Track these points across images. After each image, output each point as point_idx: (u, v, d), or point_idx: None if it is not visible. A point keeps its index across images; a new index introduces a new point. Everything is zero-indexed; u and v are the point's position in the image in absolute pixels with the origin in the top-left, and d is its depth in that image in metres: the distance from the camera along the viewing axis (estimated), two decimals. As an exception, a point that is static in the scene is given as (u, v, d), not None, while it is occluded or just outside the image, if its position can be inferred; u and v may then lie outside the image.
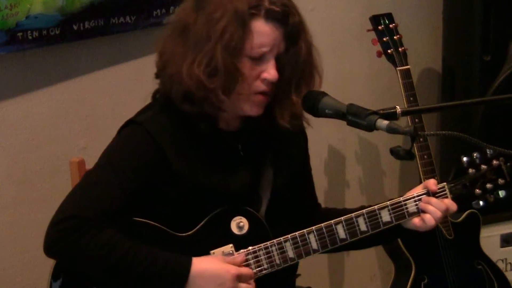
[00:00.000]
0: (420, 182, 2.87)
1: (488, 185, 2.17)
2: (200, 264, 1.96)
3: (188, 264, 1.95)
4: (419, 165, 2.88)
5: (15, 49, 2.53)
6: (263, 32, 1.97)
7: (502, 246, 3.32)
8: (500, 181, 2.18)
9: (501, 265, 3.27)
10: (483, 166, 2.18)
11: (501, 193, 2.19)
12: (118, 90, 2.84)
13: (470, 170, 2.17)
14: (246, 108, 2.03)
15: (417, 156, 2.87)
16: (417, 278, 2.97)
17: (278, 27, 1.98)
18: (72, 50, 2.70)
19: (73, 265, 1.98)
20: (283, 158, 2.16)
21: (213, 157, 2.06)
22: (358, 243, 2.18)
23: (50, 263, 2.02)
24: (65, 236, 1.92)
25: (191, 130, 2.04)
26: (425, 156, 2.88)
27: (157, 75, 2.09)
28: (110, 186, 1.97)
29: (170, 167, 2.00)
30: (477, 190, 2.17)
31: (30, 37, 2.53)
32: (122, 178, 1.97)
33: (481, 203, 2.18)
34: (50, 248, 1.96)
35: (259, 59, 1.99)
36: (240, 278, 1.98)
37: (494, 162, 2.18)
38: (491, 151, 2.18)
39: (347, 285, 3.52)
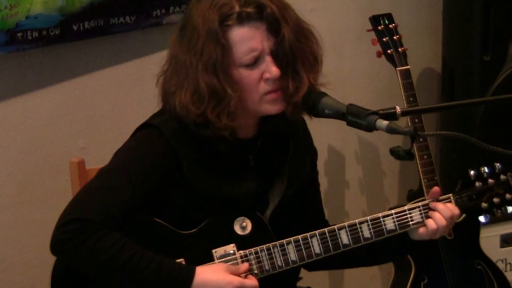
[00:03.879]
0: (420, 183, 2.90)
1: (495, 199, 2.16)
2: (203, 274, 1.95)
3: (192, 273, 1.94)
4: (419, 165, 2.88)
5: (15, 49, 2.53)
6: (244, 38, 1.95)
7: (502, 246, 3.32)
8: (508, 196, 2.17)
9: (500, 265, 3.26)
10: (491, 180, 2.17)
11: (509, 209, 2.17)
12: (118, 90, 2.84)
13: (477, 183, 2.17)
14: (266, 110, 2.02)
15: (417, 156, 2.86)
16: (417, 278, 2.97)
17: (258, 25, 1.96)
18: (72, 50, 2.70)
19: (78, 266, 1.98)
20: (296, 169, 2.16)
21: (223, 165, 2.06)
22: (367, 257, 2.20)
23: (50, 263, 2.02)
24: (72, 238, 1.91)
25: (203, 136, 2.02)
26: (425, 156, 2.87)
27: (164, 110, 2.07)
28: (121, 191, 1.96)
29: (182, 172, 2.00)
30: (484, 204, 2.16)
31: (29, 37, 2.53)
32: (135, 183, 1.97)
33: (488, 217, 2.17)
34: (56, 248, 1.95)
35: (254, 63, 1.97)
36: None
37: (502, 176, 2.17)
38: (500, 165, 2.17)
39: (347, 285, 3.52)
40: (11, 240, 2.69)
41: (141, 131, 2.07)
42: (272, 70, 1.97)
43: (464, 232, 3.01)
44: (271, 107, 2.01)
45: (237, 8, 1.95)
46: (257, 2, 1.96)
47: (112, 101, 2.83)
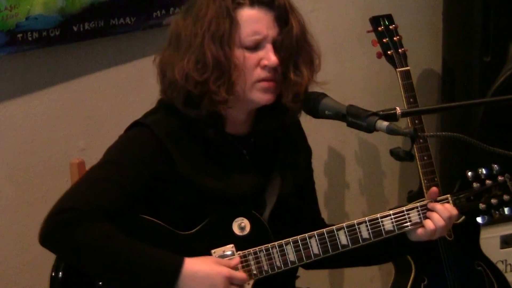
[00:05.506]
0: (420, 183, 2.90)
1: (493, 200, 2.16)
2: (192, 265, 1.95)
3: (180, 263, 1.94)
4: (419, 166, 2.88)
5: (15, 50, 2.53)
6: (251, 19, 1.99)
7: (502, 248, 3.32)
8: (505, 197, 2.17)
9: (501, 266, 3.27)
10: (488, 181, 2.17)
11: (507, 210, 2.17)
12: (118, 91, 2.84)
13: (475, 184, 2.17)
14: (255, 97, 2.03)
15: (417, 157, 2.86)
16: (417, 279, 2.97)
17: (267, 11, 2.00)
18: (72, 51, 2.70)
19: (67, 257, 1.98)
20: (290, 167, 2.17)
21: (218, 162, 2.07)
22: (365, 256, 2.21)
23: (50, 263, 2.02)
24: (60, 228, 1.93)
25: (197, 133, 2.04)
26: (425, 157, 2.87)
27: (161, 91, 2.09)
28: (109, 182, 1.98)
29: (176, 171, 2.01)
30: (482, 205, 2.16)
31: (30, 38, 2.53)
32: (123, 176, 1.98)
33: (486, 218, 2.17)
34: (45, 238, 1.96)
35: (255, 48, 2.00)
36: (232, 281, 1.98)
37: (500, 178, 2.17)
38: (497, 167, 2.17)
39: (347, 287, 3.52)
40: (11, 240, 2.69)
41: (133, 129, 2.08)
42: (271, 57, 1.99)
43: (464, 233, 3.01)
44: (261, 96, 2.02)
45: None
46: None
47: (112, 102, 2.83)
